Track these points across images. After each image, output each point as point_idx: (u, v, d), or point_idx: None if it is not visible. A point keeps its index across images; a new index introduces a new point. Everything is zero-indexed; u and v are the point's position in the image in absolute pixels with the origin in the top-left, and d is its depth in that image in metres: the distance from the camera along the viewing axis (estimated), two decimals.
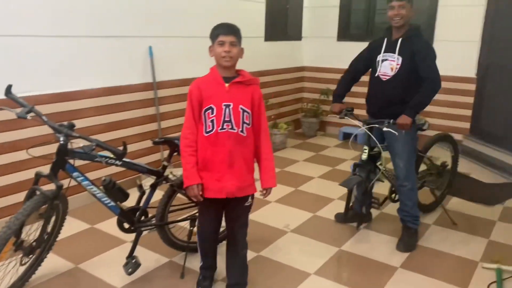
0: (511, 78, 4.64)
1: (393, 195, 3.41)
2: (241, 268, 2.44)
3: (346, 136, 5.97)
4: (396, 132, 2.86)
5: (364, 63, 3.19)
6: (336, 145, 5.75)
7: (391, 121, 2.88)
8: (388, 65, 2.97)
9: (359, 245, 3.13)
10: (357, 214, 3.34)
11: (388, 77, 2.98)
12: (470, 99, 5.23)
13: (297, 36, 6.15)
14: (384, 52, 3.00)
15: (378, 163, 3.22)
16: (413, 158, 3.13)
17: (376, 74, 3.05)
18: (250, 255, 2.79)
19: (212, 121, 2.15)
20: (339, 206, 3.62)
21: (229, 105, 2.15)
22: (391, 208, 3.59)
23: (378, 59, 3.03)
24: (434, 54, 2.91)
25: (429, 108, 3.09)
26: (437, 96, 2.91)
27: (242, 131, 2.18)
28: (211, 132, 2.16)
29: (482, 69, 5.06)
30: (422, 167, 3.53)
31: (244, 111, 2.18)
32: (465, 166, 4.65)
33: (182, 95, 4.32)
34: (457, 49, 5.21)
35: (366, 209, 3.33)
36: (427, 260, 2.96)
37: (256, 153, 2.29)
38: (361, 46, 3.30)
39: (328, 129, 6.37)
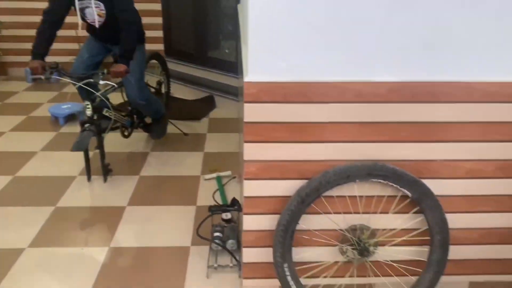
0: None
1: (127, 132, 3.23)
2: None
3: (35, 78, 5.11)
4: (115, 84, 2.82)
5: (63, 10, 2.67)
6: (26, 89, 4.82)
7: (105, 71, 2.66)
8: (94, 12, 2.66)
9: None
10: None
11: (100, 23, 2.74)
12: (159, 20, 5.20)
13: None
14: None
15: (105, 112, 2.87)
16: (143, 71, 3.03)
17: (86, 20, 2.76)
18: None
19: None
20: (44, 160, 3.05)
21: None
22: None
23: (76, 5, 2.65)
24: None
25: None
26: None
27: None
28: None
29: None
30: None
31: None
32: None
33: None
34: None
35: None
36: (154, 188, 2.87)
37: None
38: None
39: (11, 71, 5.25)
